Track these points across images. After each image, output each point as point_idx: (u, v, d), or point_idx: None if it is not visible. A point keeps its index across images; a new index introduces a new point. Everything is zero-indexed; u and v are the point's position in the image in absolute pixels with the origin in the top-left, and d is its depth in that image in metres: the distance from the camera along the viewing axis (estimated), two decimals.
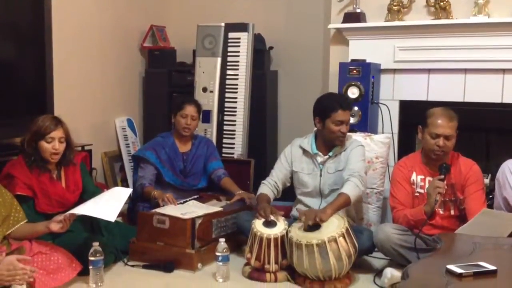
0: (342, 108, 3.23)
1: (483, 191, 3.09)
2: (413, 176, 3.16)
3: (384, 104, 4.05)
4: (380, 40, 4.04)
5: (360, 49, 4.07)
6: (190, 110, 3.81)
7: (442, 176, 2.95)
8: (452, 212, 3.10)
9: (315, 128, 3.39)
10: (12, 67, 3.60)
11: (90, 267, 2.91)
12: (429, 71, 4.00)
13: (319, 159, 3.36)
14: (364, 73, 3.88)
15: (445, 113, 3.06)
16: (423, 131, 3.10)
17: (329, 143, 3.33)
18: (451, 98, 3.89)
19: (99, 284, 2.92)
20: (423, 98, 4.01)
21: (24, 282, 2.41)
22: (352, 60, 3.99)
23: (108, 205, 2.95)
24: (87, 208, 2.92)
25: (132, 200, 3.79)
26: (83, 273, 2.94)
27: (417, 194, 3.14)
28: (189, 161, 3.89)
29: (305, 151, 3.40)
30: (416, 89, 4.04)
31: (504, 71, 3.78)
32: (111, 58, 4.76)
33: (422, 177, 3.14)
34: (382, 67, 4.08)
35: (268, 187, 3.37)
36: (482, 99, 3.86)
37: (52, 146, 3.06)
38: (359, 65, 3.90)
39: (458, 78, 3.92)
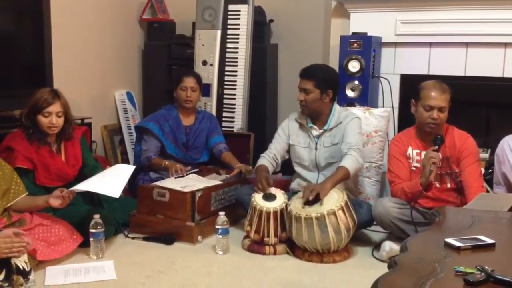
0: (299, 76, 3.32)
1: (478, 163, 3.09)
2: (409, 151, 3.17)
3: (385, 78, 4.03)
4: (382, 13, 4.00)
5: (362, 22, 4.02)
6: (189, 82, 3.81)
7: (436, 147, 2.97)
8: (449, 185, 3.12)
9: None
10: (11, 39, 3.56)
11: (91, 239, 2.93)
12: (430, 44, 3.97)
13: (315, 132, 3.37)
14: (365, 46, 3.85)
15: (438, 85, 3.06)
16: (416, 105, 3.11)
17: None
18: (452, 72, 3.87)
19: (100, 256, 2.95)
20: (424, 72, 3.98)
21: (22, 254, 2.42)
22: (353, 33, 3.95)
23: (111, 181, 2.97)
24: (91, 184, 2.94)
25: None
26: (84, 245, 2.97)
27: (414, 168, 3.15)
28: (192, 135, 3.89)
29: (301, 125, 3.40)
30: (417, 63, 4.01)
31: (505, 45, 3.74)
32: (110, 30, 4.72)
33: (418, 151, 3.15)
34: (383, 41, 4.04)
35: (267, 160, 3.38)
36: (483, 73, 3.83)
37: (49, 120, 3.05)
38: (360, 39, 3.86)
39: (460, 52, 3.89)
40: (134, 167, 3.21)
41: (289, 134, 3.43)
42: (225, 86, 4.44)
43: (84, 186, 2.93)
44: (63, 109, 3.11)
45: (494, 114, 4.12)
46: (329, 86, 3.29)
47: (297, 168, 3.45)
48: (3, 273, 2.35)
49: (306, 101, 3.28)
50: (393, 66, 4.09)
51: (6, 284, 2.34)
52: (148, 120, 3.88)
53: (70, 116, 3.19)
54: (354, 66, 3.87)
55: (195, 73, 3.97)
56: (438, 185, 3.11)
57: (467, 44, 3.86)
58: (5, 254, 2.34)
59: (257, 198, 3.13)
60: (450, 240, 1.87)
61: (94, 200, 3.28)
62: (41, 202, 2.89)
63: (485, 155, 3.68)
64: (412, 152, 3.16)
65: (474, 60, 3.85)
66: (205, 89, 4.33)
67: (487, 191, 3.15)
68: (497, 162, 3.20)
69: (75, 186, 2.93)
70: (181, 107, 3.87)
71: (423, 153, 3.08)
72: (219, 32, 4.37)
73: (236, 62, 4.41)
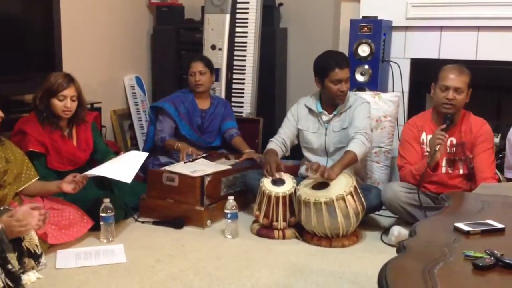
0: (339, 67, 3.20)
1: (492, 150, 3.07)
2: (423, 136, 3.14)
3: (395, 62, 4.00)
4: None
5: (372, 5, 3.99)
6: (196, 66, 3.83)
7: (444, 126, 2.96)
8: (461, 171, 3.09)
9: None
10: (20, 24, 3.57)
11: (101, 223, 2.96)
12: (441, 28, 3.93)
13: (324, 117, 3.35)
14: (376, 30, 3.82)
15: (457, 67, 3.05)
16: (435, 87, 3.08)
17: (331, 102, 3.32)
18: (463, 56, 3.83)
19: (110, 239, 2.98)
20: (435, 56, 3.95)
21: (37, 228, 2.44)
22: (363, 17, 3.92)
23: (124, 167, 2.99)
24: (103, 170, 2.96)
25: None
26: (94, 229, 3.00)
27: (427, 154, 3.12)
28: (207, 118, 3.92)
29: (310, 110, 3.39)
30: (428, 47, 3.97)
31: None
32: (119, 15, 4.71)
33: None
34: (393, 24, 4.01)
35: (276, 144, 3.38)
36: (495, 57, 3.80)
37: (64, 104, 3.07)
38: (370, 22, 3.83)
39: (471, 35, 3.85)
40: (147, 154, 3.22)
41: (298, 119, 3.42)
42: (234, 71, 4.43)
43: (97, 171, 2.95)
44: (77, 93, 3.12)
45: (505, 98, 4.08)
46: None
47: (306, 153, 3.45)
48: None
49: (346, 92, 3.28)
50: (404, 50, 4.06)
51: (18, 267, 2.37)
52: (164, 101, 3.92)
53: (83, 101, 3.21)
54: (364, 50, 3.85)
55: (203, 57, 3.99)
56: (450, 171, 3.09)
57: (478, 28, 3.82)
58: (19, 231, 2.34)
59: (266, 183, 3.14)
60: (459, 225, 1.86)
61: (104, 184, 3.30)
62: (53, 187, 2.91)
63: (495, 139, 3.65)
64: (426, 137, 3.14)
65: (485, 44, 3.81)
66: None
67: (499, 178, 3.13)
68: (508, 146, 3.17)
69: (88, 171, 2.95)
70: (194, 92, 3.88)
71: None
72: (228, 16, 4.34)
73: (245, 46, 4.40)
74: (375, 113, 3.57)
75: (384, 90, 3.96)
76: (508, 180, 3.12)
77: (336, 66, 3.19)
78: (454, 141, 3.07)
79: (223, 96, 4.37)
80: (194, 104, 3.89)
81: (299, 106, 3.44)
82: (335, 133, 3.33)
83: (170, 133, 3.83)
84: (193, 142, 3.82)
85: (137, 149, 4.56)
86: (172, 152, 3.75)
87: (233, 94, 4.44)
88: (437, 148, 2.89)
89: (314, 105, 3.37)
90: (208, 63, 3.90)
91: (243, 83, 4.43)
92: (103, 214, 2.94)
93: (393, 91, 4.00)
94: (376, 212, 3.31)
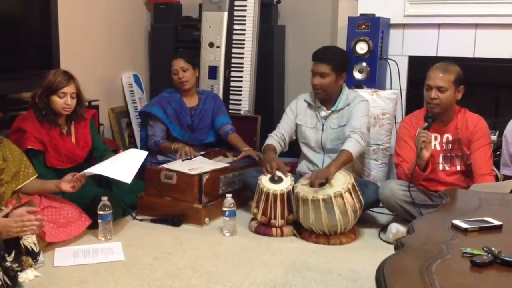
0: (313, 59, 3.25)
1: (489, 146, 3.08)
2: None
3: (393, 60, 4.00)
4: None
5: (370, 3, 3.99)
6: (177, 63, 3.79)
7: (426, 125, 2.97)
8: (458, 168, 3.10)
9: None
10: (18, 22, 3.56)
11: (99, 221, 2.96)
12: (439, 26, 3.93)
13: (323, 113, 3.36)
14: (373, 28, 3.82)
15: (442, 65, 3.02)
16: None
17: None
18: (461, 54, 3.84)
19: (108, 237, 2.98)
20: (433, 54, 3.95)
21: (33, 232, 2.44)
22: (361, 15, 3.92)
23: (124, 166, 2.98)
24: (103, 168, 2.95)
25: None
26: (93, 227, 2.99)
27: None
28: (197, 116, 3.89)
29: (309, 105, 3.40)
30: (426, 44, 3.98)
31: None
32: (117, 12, 4.70)
33: None
34: (391, 22, 4.01)
35: (274, 139, 3.39)
36: (493, 55, 3.80)
37: (64, 101, 3.06)
38: (368, 20, 3.83)
39: (469, 33, 3.85)
40: (147, 152, 3.20)
41: (297, 113, 3.43)
42: (232, 69, 4.42)
43: (96, 169, 2.95)
44: (77, 90, 3.12)
45: (502, 96, 4.09)
46: (344, 69, 3.29)
47: (304, 149, 3.45)
48: (13, 254, 2.38)
49: (322, 85, 3.26)
50: (401, 47, 4.06)
51: (16, 265, 2.37)
52: (151, 105, 3.88)
53: (82, 98, 3.20)
54: (362, 47, 3.85)
55: (182, 53, 3.97)
56: (447, 168, 3.10)
57: (476, 25, 3.82)
58: (16, 233, 2.35)
59: (264, 181, 3.14)
60: (457, 222, 1.87)
61: (103, 182, 3.30)
62: (51, 186, 2.91)
63: (493, 137, 3.66)
64: None
65: (483, 42, 3.82)
66: (212, 72, 4.32)
67: (496, 174, 3.14)
68: (505, 143, 3.18)
69: (87, 170, 2.95)
70: (180, 90, 3.86)
71: (433, 136, 3.07)
72: (226, 14, 4.34)
73: (243, 44, 4.39)
74: (373, 111, 3.57)
75: (382, 87, 3.96)
76: (505, 177, 3.12)
77: (313, 57, 3.26)
78: (450, 138, 3.08)
79: (221, 93, 4.36)
80: (182, 103, 3.85)
81: (298, 101, 3.45)
82: (332, 130, 3.33)
83: (163, 136, 3.79)
84: (185, 142, 3.79)
85: (135, 147, 4.55)
86: (170, 153, 3.73)
87: (231, 92, 4.44)
88: (422, 146, 2.90)
89: (313, 100, 3.38)
90: (189, 59, 3.84)
91: (241, 81, 4.43)
92: (101, 212, 2.94)
93: (391, 88, 4.00)
94: (374, 210, 3.31)
